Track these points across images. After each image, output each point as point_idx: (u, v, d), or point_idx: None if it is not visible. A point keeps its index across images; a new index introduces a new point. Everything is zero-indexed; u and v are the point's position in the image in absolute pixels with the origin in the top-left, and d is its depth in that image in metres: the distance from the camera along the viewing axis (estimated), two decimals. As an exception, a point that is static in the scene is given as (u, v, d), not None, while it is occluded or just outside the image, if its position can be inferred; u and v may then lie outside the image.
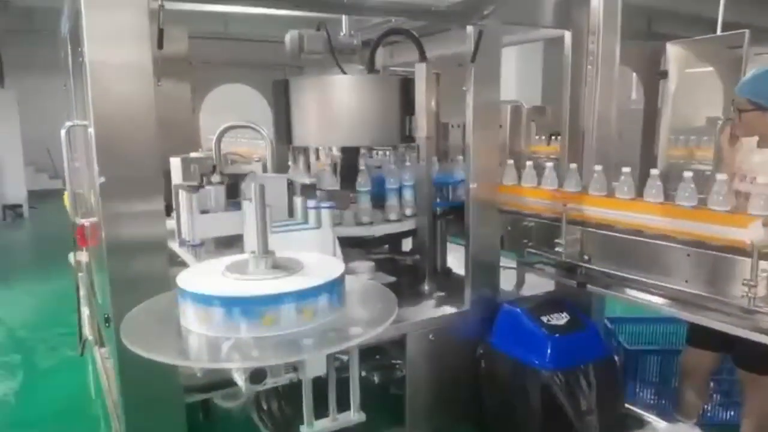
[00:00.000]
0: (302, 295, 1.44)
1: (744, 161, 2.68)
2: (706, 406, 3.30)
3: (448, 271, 3.42)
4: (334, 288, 1.49)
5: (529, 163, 2.99)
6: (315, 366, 1.58)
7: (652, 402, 3.31)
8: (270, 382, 1.58)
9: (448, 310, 2.92)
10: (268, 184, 2.28)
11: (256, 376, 1.53)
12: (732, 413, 3.25)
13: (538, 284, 3.22)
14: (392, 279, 2.78)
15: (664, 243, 2.37)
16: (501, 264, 3.25)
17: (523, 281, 3.32)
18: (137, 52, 2.09)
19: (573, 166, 2.77)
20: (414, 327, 2.76)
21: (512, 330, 2.82)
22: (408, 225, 3.05)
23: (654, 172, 2.43)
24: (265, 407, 2.59)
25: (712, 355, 2.82)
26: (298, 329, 1.45)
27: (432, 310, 2.92)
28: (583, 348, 2.72)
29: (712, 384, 3.35)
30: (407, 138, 3.13)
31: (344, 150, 3.36)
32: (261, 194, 1.53)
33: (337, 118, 3.00)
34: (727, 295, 2.23)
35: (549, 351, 2.64)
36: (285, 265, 1.55)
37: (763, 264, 2.08)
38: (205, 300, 1.45)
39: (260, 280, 1.49)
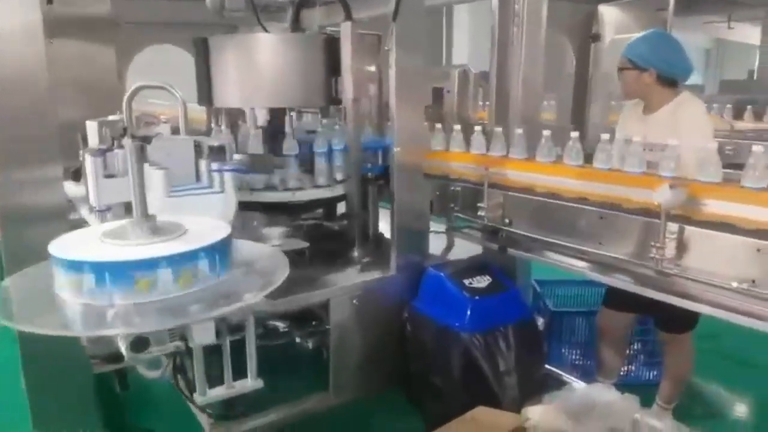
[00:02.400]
0: (177, 260, 1.38)
1: (628, 126, 2.71)
2: (630, 366, 3.40)
3: (379, 237, 3.39)
4: (215, 253, 1.44)
5: (437, 126, 2.96)
6: (203, 333, 1.53)
7: (577, 362, 3.39)
8: (156, 351, 1.53)
9: (374, 275, 2.90)
10: (175, 146, 2.21)
11: (138, 344, 1.47)
12: (655, 373, 3.34)
13: (471, 248, 3.22)
14: (305, 245, 2.73)
15: (576, 205, 2.38)
16: (432, 229, 3.25)
17: (452, 245, 3.32)
18: (24, 9, 1.96)
19: (478, 128, 2.78)
20: (337, 292, 2.72)
21: (436, 293, 2.82)
22: (335, 191, 2.99)
23: (546, 133, 2.46)
24: (184, 372, 2.55)
25: (627, 316, 2.88)
26: (176, 295, 1.41)
27: (357, 275, 2.89)
28: (504, 310, 2.74)
29: (637, 344, 3.44)
30: (334, 100, 3.05)
31: (271, 112, 3.28)
32: (137, 154, 1.46)
33: (258, 78, 2.90)
34: (639, 257, 2.26)
35: (469, 313, 2.65)
36: (166, 230, 1.49)
37: (671, 226, 2.11)
38: (76, 266, 1.38)
39: (136, 246, 1.43)
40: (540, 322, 3.38)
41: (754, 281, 1.91)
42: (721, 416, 3.17)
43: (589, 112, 3.72)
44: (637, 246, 2.28)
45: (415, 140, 2.84)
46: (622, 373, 3.20)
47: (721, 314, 1.96)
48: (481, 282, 2.80)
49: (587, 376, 3.20)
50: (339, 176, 3.03)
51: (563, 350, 3.38)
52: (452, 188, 3.05)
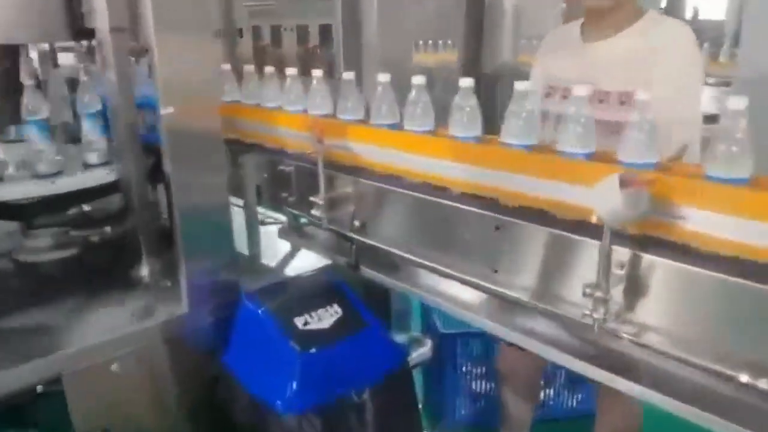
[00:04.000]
0: None
1: (558, 66, 1.73)
2: (547, 390, 2.54)
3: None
4: None
5: (269, 69, 1.84)
6: None
7: (475, 400, 2.47)
8: None
9: (151, 318, 1.80)
10: None
11: None
12: (579, 398, 2.52)
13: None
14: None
15: (457, 205, 1.38)
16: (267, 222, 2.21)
17: (297, 251, 2.27)
18: None
19: (317, 73, 1.67)
20: (77, 360, 1.62)
21: (251, 341, 1.78)
22: (73, 182, 1.84)
23: (382, 78, 1.47)
24: None
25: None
26: None
27: (121, 320, 1.78)
28: (359, 363, 1.74)
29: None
30: (82, 31, 1.87)
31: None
32: None
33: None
34: (560, 300, 1.30)
35: (296, 381, 1.63)
36: None
37: (619, 252, 1.14)
38: None
39: None
40: (428, 345, 2.42)
41: (780, 372, 0.99)
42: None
43: (487, 49, 2.67)
44: (554, 278, 1.31)
45: (200, 93, 1.72)
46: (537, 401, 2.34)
47: (718, 425, 1.03)
48: (325, 318, 1.77)
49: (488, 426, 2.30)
50: (94, 158, 1.88)
51: (458, 385, 2.45)
52: (281, 168, 1.97)
